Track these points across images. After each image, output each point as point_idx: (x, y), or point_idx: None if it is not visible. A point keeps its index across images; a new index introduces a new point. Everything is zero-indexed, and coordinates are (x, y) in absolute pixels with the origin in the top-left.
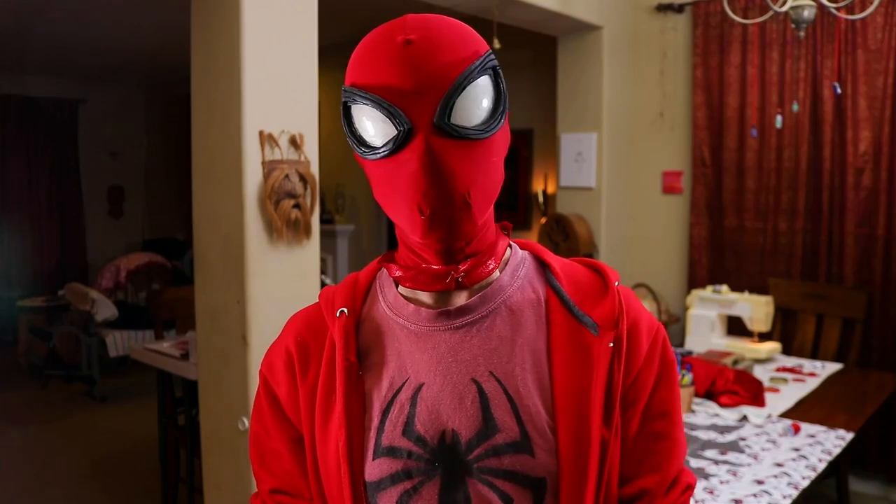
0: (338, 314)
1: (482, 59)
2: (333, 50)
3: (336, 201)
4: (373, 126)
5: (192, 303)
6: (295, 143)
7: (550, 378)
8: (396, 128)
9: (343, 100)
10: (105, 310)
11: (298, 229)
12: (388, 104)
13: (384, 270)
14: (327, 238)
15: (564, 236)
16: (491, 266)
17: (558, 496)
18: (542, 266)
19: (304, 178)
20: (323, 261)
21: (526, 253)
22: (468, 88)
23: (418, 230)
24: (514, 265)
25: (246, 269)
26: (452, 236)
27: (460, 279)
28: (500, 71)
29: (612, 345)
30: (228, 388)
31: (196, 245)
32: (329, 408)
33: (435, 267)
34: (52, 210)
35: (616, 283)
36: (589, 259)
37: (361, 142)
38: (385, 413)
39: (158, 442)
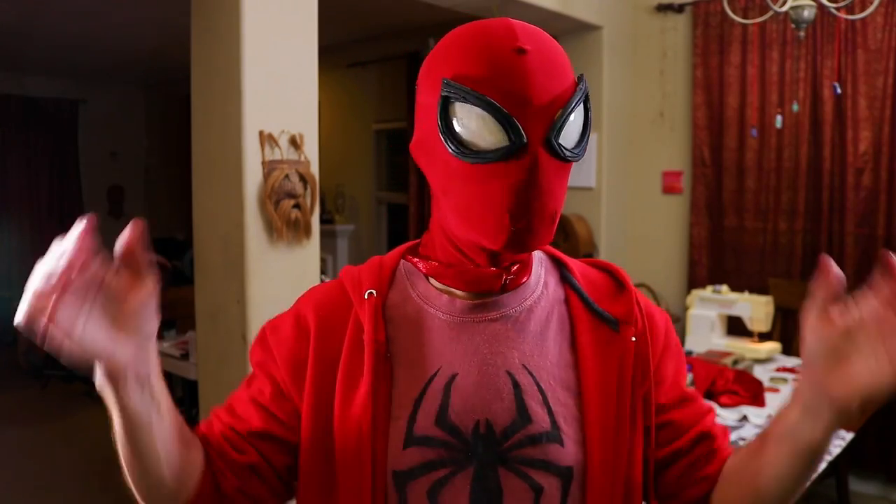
0: (366, 296)
1: (583, 85)
2: (333, 50)
3: (336, 201)
4: (482, 129)
5: (192, 303)
6: (295, 143)
7: (577, 372)
8: (510, 138)
9: (445, 93)
10: None
11: (298, 229)
12: (507, 114)
13: (408, 262)
14: (327, 238)
15: (564, 236)
16: (531, 268)
17: (584, 484)
18: (557, 264)
19: (304, 178)
20: (323, 261)
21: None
22: (575, 111)
23: (501, 239)
24: (536, 263)
25: (246, 269)
26: (531, 249)
27: (507, 282)
28: (589, 96)
29: (634, 339)
30: (228, 388)
31: (196, 245)
32: (351, 390)
33: (492, 269)
34: (52, 210)
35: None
36: (596, 259)
37: (461, 141)
38: (417, 402)
39: None
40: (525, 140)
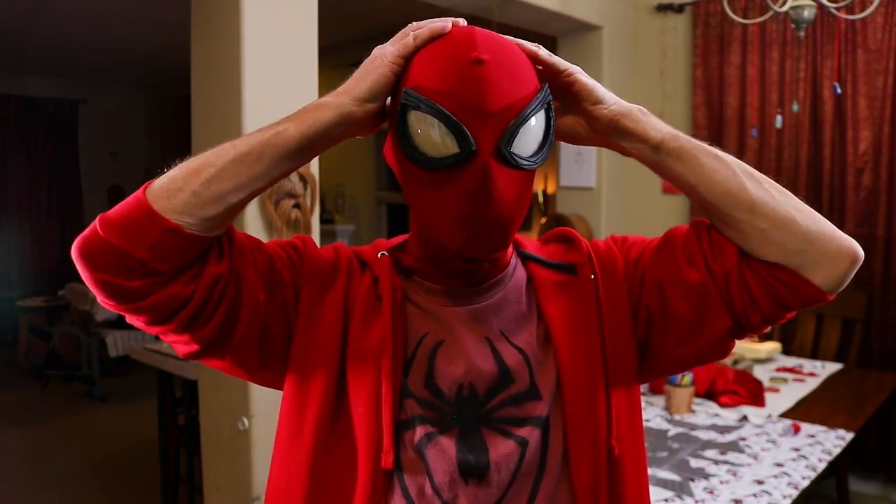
0: (378, 255)
1: (544, 92)
2: (333, 50)
3: (336, 201)
4: (434, 137)
5: None
6: None
7: (546, 323)
8: (460, 146)
9: (403, 101)
10: (105, 310)
11: (298, 229)
12: (457, 122)
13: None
14: (327, 238)
15: None
16: (504, 263)
17: (565, 428)
18: (514, 246)
19: (304, 178)
20: None
21: None
22: (530, 120)
23: (455, 244)
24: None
25: None
26: (486, 254)
27: (481, 276)
28: (552, 106)
29: (592, 276)
30: (228, 388)
31: None
32: (366, 329)
33: (462, 266)
34: (52, 210)
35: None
36: (548, 232)
37: (415, 148)
38: (407, 366)
39: (158, 442)
40: (474, 148)
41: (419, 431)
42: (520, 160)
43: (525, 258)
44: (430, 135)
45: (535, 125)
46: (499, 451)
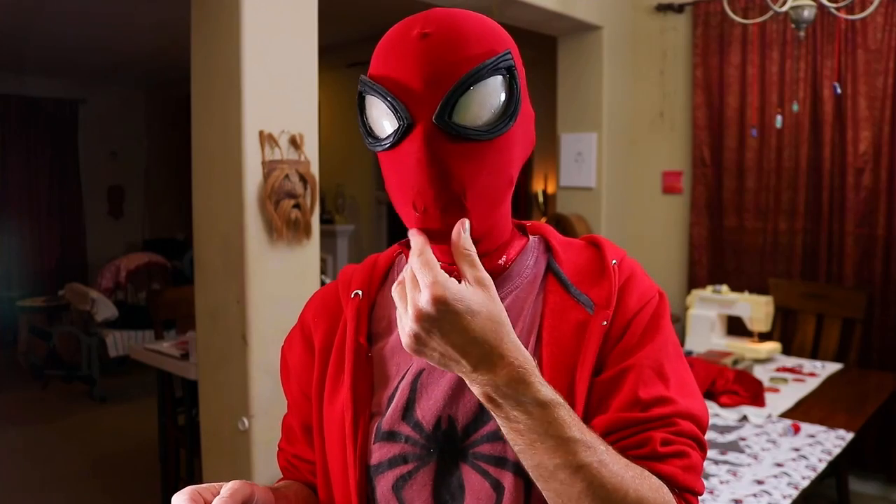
0: (352, 296)
1: (495, 58)
2: (333, 50)
3: (336, 201)
4: (379, 117)
5: (192, 303)
6: (295, 143)
7: (539, 357)
8: (398, 121)
9: (358, 89)
10: (105, 310)
11: (298, 229)
12: (392, 97)
13: (403, 255)
14: (327, 238)
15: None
16: (501, 262)
17: None
18: (547, 249)
19: (304, 178)
20: (323, 261)
21: (535, 238)
22: (475, 87)
23: (412, 224)
24: (525, 255)
25: (246, 269)
26: (444, 235)
27: None
28: (515, 72)
29: (605, 323)
30: (228, 388)
31: (196, 245)
32: (336, 388)
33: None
34: (52, 210)
35: (613, 262)
36: (592, 236)
37: (370, 132)
38: (391, 399)
39: (158, 442)
40: (409, 121)
41: (395, 472)
42: (464, 130)
43: (549, 266)
44: (377, 116)
45: (486, 93)
46: (475, 496)
